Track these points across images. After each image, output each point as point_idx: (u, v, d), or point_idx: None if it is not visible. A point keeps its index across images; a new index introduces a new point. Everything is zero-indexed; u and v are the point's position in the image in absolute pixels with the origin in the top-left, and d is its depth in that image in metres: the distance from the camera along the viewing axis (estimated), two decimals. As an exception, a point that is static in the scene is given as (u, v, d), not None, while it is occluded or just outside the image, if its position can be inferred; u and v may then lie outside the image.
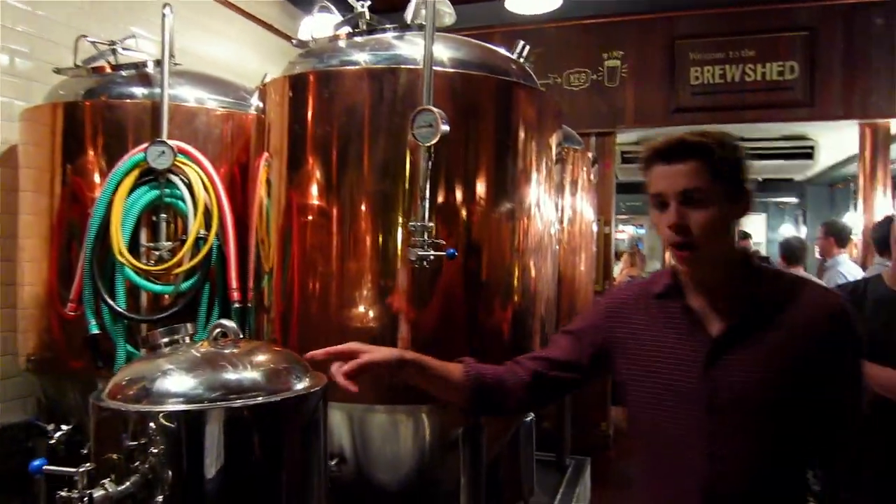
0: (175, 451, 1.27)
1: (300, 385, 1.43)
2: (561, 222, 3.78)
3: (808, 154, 6.11)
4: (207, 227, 2.45)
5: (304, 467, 1.44)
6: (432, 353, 2.15)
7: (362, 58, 2.30)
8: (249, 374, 1.39)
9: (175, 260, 2.39)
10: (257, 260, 2.42)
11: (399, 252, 2.17)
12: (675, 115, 5.03)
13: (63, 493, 1.14)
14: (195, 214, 2.43)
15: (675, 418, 1.40)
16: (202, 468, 1.26)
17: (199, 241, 2.45)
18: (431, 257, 2.01)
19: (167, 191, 2.46)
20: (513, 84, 2.38)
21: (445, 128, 1.92)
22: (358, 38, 2.38)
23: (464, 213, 2.25)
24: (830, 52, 4.77)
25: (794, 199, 10.25)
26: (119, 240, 2.36)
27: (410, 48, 2.29)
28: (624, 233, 16.54)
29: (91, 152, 2.65)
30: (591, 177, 3.92)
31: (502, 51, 2.58)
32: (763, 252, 9.54)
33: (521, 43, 2.65)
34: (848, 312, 1.38)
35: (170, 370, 1.33)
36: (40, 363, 2.70)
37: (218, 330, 1.47)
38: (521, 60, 2.61)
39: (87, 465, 1.20)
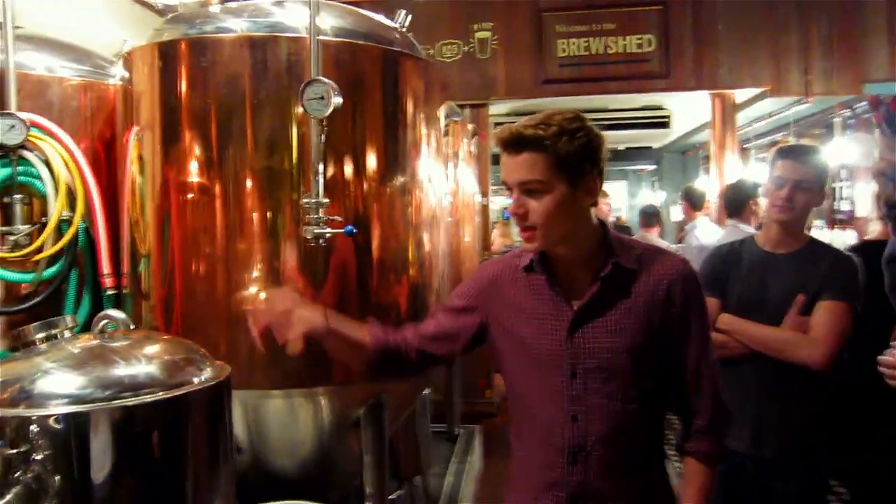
0: (63, 458, 1.15)
1: (202, 377, 1.34)
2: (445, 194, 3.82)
3: (664, 123, 6.52)
4: (72, 208, 2.24)
5: (211, 463, 1.36)
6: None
7: (239, 25, 2.17)
8: (144, 369, 1.29)
9: (35, 245, 2.17)
10: (131, 243, 2.24)
11: (289, 231, 2.09)
12: (544, 86, 5.17)
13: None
14: (56, 195, 2.20)
15: (541, 384, 1.49)
16: (95, 474, 1.16)
17: (63, 224, 2.23)
18: (328, 235, 1.95)
19: (20, 169, 2.21)
20: (399, 54, 2.33)
21: (338, 100, 1.86)
22: (232, 4, 2.23)
23: (355, 188, 2.20)
24: (682, 26, 5.07)
25: (651, 167, 10.91)
26: (-35, 225, 2.11)
27: (291, 16, 2.18)
28: (495, 203, 17.06)
29: (-76, 127, 2.33)
30: (472, 149, 3.96)
31: (385, 20, 2.52)
32: (624, 216, 10.13)
33: (403, 12, 2.60)
34: (686, 274, 1.51)
35: (51, 369, 1.20)
36: None
37: (103, 321, 1.35)
38: (404, 29, 2.57)
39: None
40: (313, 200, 1.93)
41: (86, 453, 1.20)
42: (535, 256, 1.51)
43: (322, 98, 1.83)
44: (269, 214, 2.11)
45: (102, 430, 1.21)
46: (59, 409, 1.18)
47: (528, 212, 1.40)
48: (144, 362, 1.31)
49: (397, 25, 2.57)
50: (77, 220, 2.23)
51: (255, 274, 2.11)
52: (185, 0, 2.34)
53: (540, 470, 1.50)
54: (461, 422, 4.09)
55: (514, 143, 1.39)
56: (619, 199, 10.79)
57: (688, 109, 6.36)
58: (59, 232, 2.23)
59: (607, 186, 6.74)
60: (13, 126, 2.16)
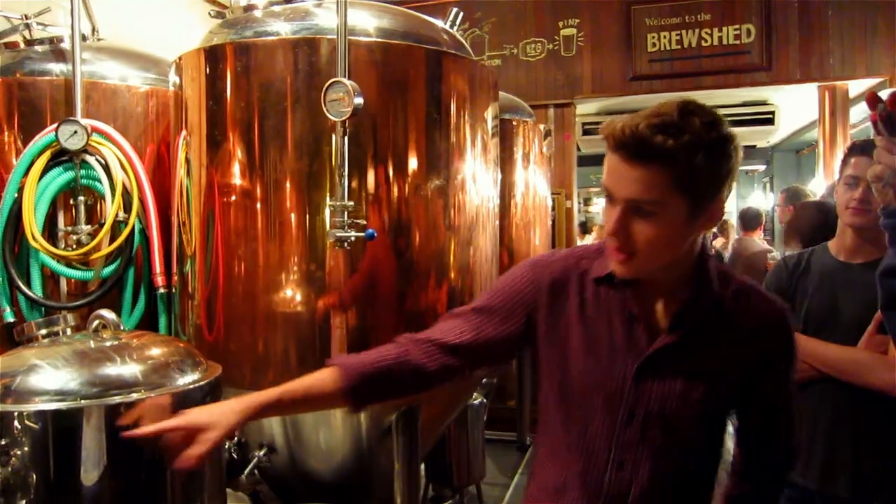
0: (42, 454, 1.18)
1: (187, 379, 1.35)
2: (512, 197, 3.72)
3: (768, 120, 6.06)
4: (127, 209, 2.34)
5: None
6: (365, 336, 2.12)
7: (281, 28, 2.19)
8: (132, 369, 1.30)
9: (92, 244, 2.29)
10: (179, 243, 2.32)
11: (325, 233, 2.08)
12: (632, 83, 4.94)
13: None
14: (113, 196, 2.31)
15: (588, 420, 1.27)
16: (73, 471, 1.18)
17: (120, 225, 2.34)
18: (352, 238, 1.92)
19: (83, 172, 2.35)
20: (442, 54, 2.28)
21: (359, 101, 1.82)
22: (276, 7, 2.26)
23: (393, 190, 2.16)
24: (786, 13, 4.68)
25: (761, 167, 10.23)
26: (32, 224, 2.25)
27: (331, 17, 2.17)
28: (597, 205, 16.54)
29: (6, 132, 2.52)
30: (544, 149, 3.84)
31: (434, 20, 2.47)
32: (733, 220, 9.49)
33: (455, 10, 2.55)
34: (786, 321, 1.28)
35: (38, 365, 1.24)
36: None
37: (97, 321, 1.38)
38: (454, 29, 2.51)
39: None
40: (339, 203, 1.90)
41: (67, 450, 1.22)
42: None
43: (343, 99, 1.80)
44: (305, 217, 2.11)
45: (85, 427, 1.23)
46: (42, 405, 1.21)
47: (630, 236, 1.13)
48: (133, 362, 1.33)
49: (447, 25, 2.52)
50: (132, 221, 2.33)
51: (292, 276, 2.12)
52: (239, 3, 2.37)
53: None
54: (532, 431, 3.96)
55: (634, 149, 1.09)
56: (729, 202, 10.15)
57: (797, 104, 5.88)
58: (116, 232, 2.34)
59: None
60: (76, 132, 2.29)
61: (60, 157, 2.34)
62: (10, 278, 2.27)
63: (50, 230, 2.36)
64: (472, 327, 1.30)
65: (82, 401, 1.24)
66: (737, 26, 4.73)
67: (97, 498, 1.23)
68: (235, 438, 2.22)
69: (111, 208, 2.30)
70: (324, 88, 1.86)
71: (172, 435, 1.11)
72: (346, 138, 1.88)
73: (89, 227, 2.36)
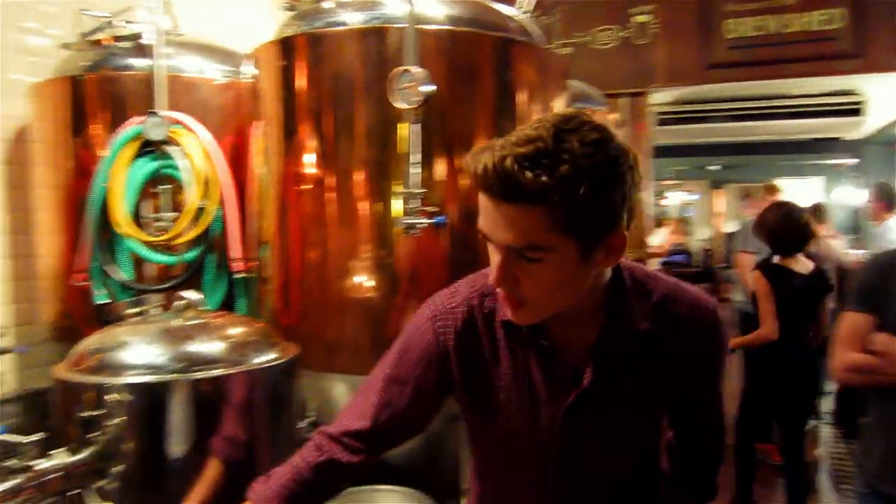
0: (133, 423, 1.26)
1: (264, 357, 1.40)
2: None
3: (856, 111, 5.75)
4: (207, 196, 2.44)
5: (272, 437, 1.41)
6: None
7: (351, 18, 2.23)
8: (211, 346, 1.37)
9: (174, 231, 2.39)
10: (257, 229, 2.40)
11: (394, 220, 2.12)
12: (709, 72, 4.79)
13: (9, 463, 1.14)
14: (193, 185, 2.41)
15: (519, 468, 1.19)
16: (159, 440, 1.25)
17: (201, 212, 2.44)
18: (422, 225, 1.95)
19: (166, 162, 2.45)
20: (510, 41, 2.27)
21: (428, 88, 1.84)
22: (346, -2, 2.30)
23: (462, 178, 2.17)
24: (880, -3, 4.44)
25: (850, 161, 9.71)
26: (120, 212, 2.37)
27: (400, 6, 2.20)
28: (671, 199, 16.11)
29: (95, 125, 2.66)
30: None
31: (505, 7, 2.46)
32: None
33: (526, -4, 2.53)
34: (714, 322, 1.15)
35: (128, 342, 1.32)
36: (60, 331, 2.77)
37: (181, 301, 1.45)
38: (524, 16, 2.49)
39: (37, 435, 1.20)
40: (408, 190, 1.93)
41: (154, 421, 1.30)
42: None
43: (412, 87, 1.82)
44: (376, 204, 2.15)
45: (170, 400, 1.30)
46: (133, 378, 1.29)
47: (517, 284, 0.99)
48: (214, 341, 1.39)
49: (518, 12, 2.51)
50: (211, 209, 2.43)
51: (362, 263, 2.17)
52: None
53: None
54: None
55: (501, 190, 0.92)
56: (817, 198, 9.64)
57: (890, 94, 5.57)
58: (198, 219, 2.44)
59: (788, 183, 6.02)
60: (158, 124, 2.40)
61: (145, 147, 2.46)
62: (101, 263, 2.41)
63: (137, 217, 2.48)
64: (387, 402, 1.18)
65: (169, 375, 1.30)
66: (824, 11, 4.52)
67: (183, 466, 1.29)
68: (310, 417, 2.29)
69: (192, 196, 2.40)
70: (391, 77, 1.88)
71: None
72: (417, 126, 1.90)
73: (172, 214, 2.47)
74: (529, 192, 0.89)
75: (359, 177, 2.16)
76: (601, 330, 1.09)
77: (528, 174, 0.88)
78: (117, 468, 1.23)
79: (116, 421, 1.25)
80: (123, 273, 2.42)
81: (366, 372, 2.13)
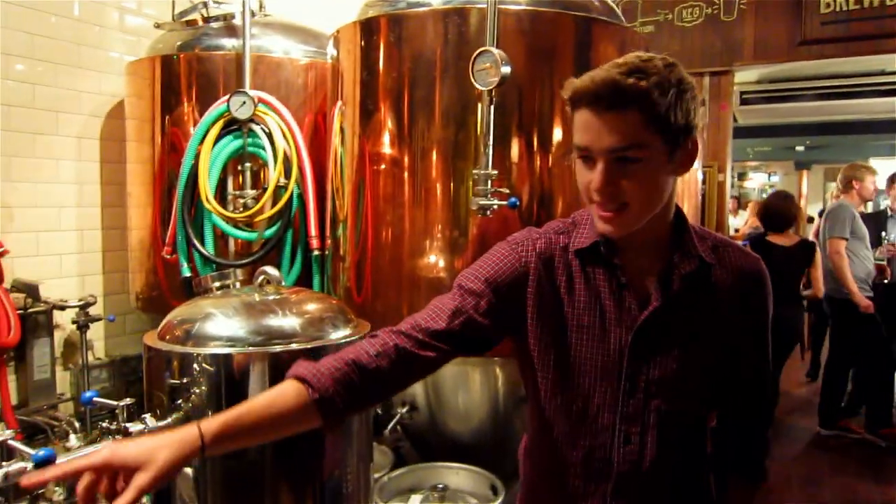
0: (215, 392, 1.32)
1: (340, 333, 1.44)
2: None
3: (964, 88, 5.38)
4: (287, 175, 2.51)
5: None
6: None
7: (434, -1, 2.23)
8: (289, 321, 1.42)
9: (256, 208, 2.48)
10: (333, 208, 2.45)
11: (468, 201, 2.13)
12: (800, 48, 4.55)
13: (104, 424, 1.22)
14: (275, 163, 2.48)
15: (589, 397, 1.21)
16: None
17: (281, 190, 2.52)
18: (495, 206, 1.95)
19: (250, 140, 2.54)
20: (591, 21, 2.23)
21: (506, 70, 1.83)
22: (427, -21, 2.30)
23: (536, 160, 2.16)
24: None
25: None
26: (206, 188, 2.47)
27: (480, -14, 2.19)
28: (753, 180, 15.51)
29: (186, 103, 2.78)
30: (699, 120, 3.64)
31: (586, -15, 2.41)
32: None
33: (606, -26, 2.47)
34: (764, 273, 1.26)
35: (213, 314, 1.38)
36: (147, 301, 2.92)
37: (262, 277, 1.51)
38: (607, -6, 2.44)
39: (128, 399, 1.28)
40: (482, 172, 1.94)
41: (236, 390, 1.36)
42: (600, 238, 1.19)
43: (490, 69, 1.81)
44: (450, 185, 2.16)
45: (250, 371, 1.36)
46: (216, 349, 1.35)
47: (619, 188, 1.08)
48: (292, 315, 1.44)
49: (599, -10, 2.45)
50: (291, 187, 2.50)
51: (435, 242, 2.19)
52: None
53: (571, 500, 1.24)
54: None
55: (609, 98, 1.06)
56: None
57: None
58: (277, 197, 2.52)
59: (879, 164, 5.73)
60: (244, 102, 2.48)
61: (231, 125, 2.54)
62: (187, 237, 2.52)
63: (221, 194, 2.58)
64: (464, 309, 1.20)
65: (249, 347, 1.36)
66: (929, -18, 4.22)
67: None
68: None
69: (273, 174, 2.48)
70: (472, 58, 1.88)
71: (91, 481, 0.93)
72: (493, 107, 1.89)
73: (254, 191, 2.56)
74: (630, 96, 1.05)
75: (435, 157, 2.17)
76: (669, 256, 1.19)
77: (630, 80, 1.05)
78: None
79: (200, 389, 1.32)
80: (207, 247, 2.52)
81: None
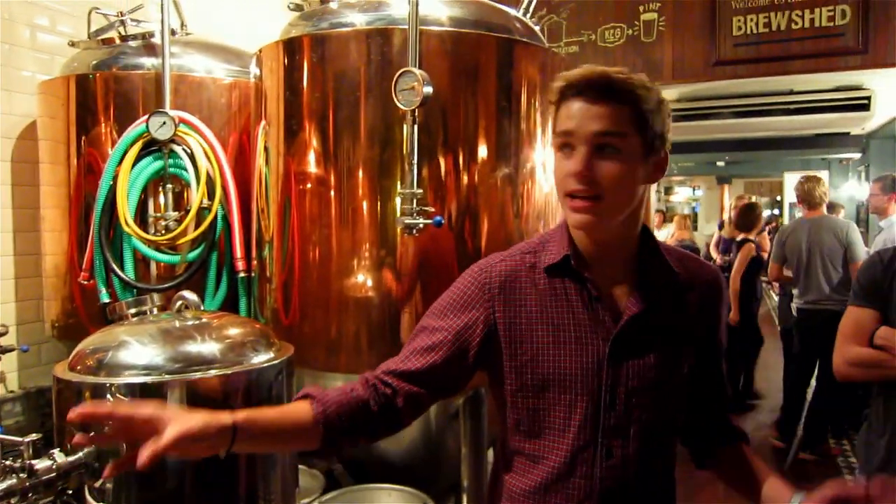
0: (130, 424, 1.27)
1: (261, 357, 1.41)
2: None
3: (863, 106, 5.71)
4: (211, 196, 2.46)
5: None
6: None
7: (356, 19, 2.24)
8: (209, 347, 1.38)
9: (178, 230, 2.41)
10: (258, 229, 2.42)
11: (395, 220, 2.13)
12: (715, 69, 4.77)
13: (7, 462, 1.15)
14: (197, 184, 2.43)
15: (569, 414, 1.21)
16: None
17: (204, 211, 2.46)
18: (421, 225, 1.96)
19: (171, 161, 2.47)
20: (513, 42, 2.28)
21: (428, 90, 1.85)
22: (352, -1, 2.31)
23: (462, 178, 2.19)
24: (886, -6, 4.41)
25: (856, 155, 9.67)
26: (125, 210, 2.39)
27: (404, 7, 2.20)
28: (679, 194, 16.11)
29: (103, 123, 2.69)
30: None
31: (508, 8, 2.47)
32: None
33: (528, -2, 2.53)
34: (722, 282, 1.37)
35: (127, 342, 1.33)
36: (64, 330, 2.79)
37: (180, 302, 1.46)
38: (527, 16, 2.50)
39: (34, 435, 1.22)
40: (408, 191, 1.94)
41: (152, 421, 1.30)
42: (566, 251, 1.22)
43: (412, 88, 1.83)
44: (377, 204, 2.16)
45: (168, 400, 1.31)
46: (131, 378, 1.30)
47: (596, 175, 1.14)
48: (212, 341, 1.40)
49: (520, 13, 2.51)
50: (215, 208, 2.45)
51: (363, 262, 2.18)
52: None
53: None
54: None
55: (599, 88, 1.14)
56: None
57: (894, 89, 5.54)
58: (200, 219, 2.46)
59: (794, 178, 6.04)
60: (164, 123, 2.42)
61: (151, 146, 2.48)
62: (105, 261, 2.43)
63: (141, 216, 2.51)
64: (429, 347, 1.24)
65: (166, 375, 1.32)
66: (831, 7, 4.49)
67: (178, 467, 1.31)
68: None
69: (196, 195, 2.42)
70: (395, 78, 1.89)
71: (127, 423, 1.03)
72: (416, 127, 1.91)
73: (176, 213, 2.49)
74: (619, 89, 1.14)
75: (360, 177, 2.17)
76: (638, 268, 1.24)
77: (619, 76, 1.16)
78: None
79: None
80: (126, 272, 2.44)
81: (365, 371, 2.19)
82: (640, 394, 1.21)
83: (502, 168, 2.23)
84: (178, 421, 1.02)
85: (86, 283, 2.49)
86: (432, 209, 1.97)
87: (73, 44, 2.95)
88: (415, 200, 1.94)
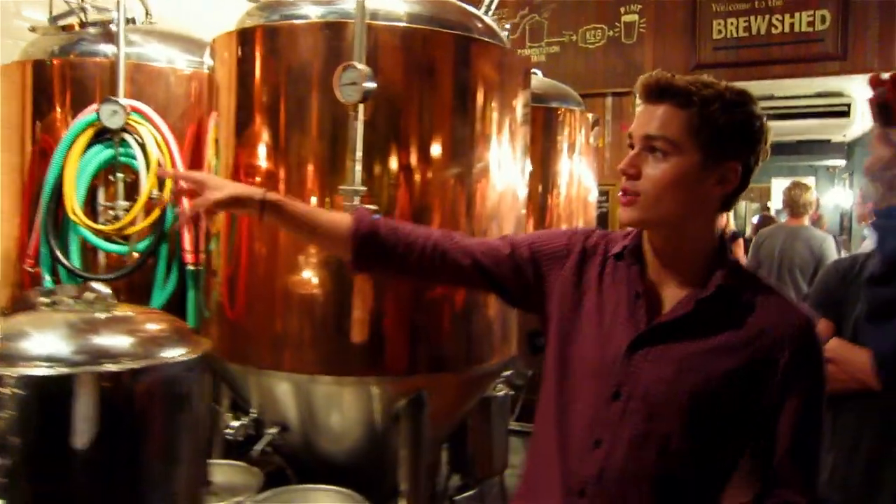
0: (27, 417, 1.24)
1: (172, 353, 1.38)
2: (555, 187, 3.65)
3: (843, 112, 5.70)
4: (161, 186, 2.42)
5: (176, 435, 1.40)
6: (379, 320, 2.13)
7: (310, 11, 2.19)
8: (119, 340, 1.35)
9: (126, 219, 2.38)
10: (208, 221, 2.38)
11: (343, 216, 2.09)
12: (695, 72, 4.72)
13: None
14: (147, 173, 2.39)
15: (577, 394, 1.24)
16: (53, 436, 1.23)
17: (154, 202, 2.42)
18: (361, 222, 1.92)
19: (122, 150, 2.44)
20: (470, 40, 2.24)
21: (370, 85, 1.81)
22: (309, -10, 2.26)
23: (414, 176, 2.15)
24: (865, -1, 4.41)
25: (840, 162, 9.67)
26: (72, 199, 2.36)
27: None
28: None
29: (59, 110, 2.65)
30: (591, 139, 3.74)
31: (469, 7, 2.43)
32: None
33: (489, -6, 2.50)
34: (813, 332, 1.21)
35: (28, 332, 1.30)
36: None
37: (91, 293, 1.43)
38: (489, 15, 2.47)
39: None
40: (349, 187, 1.91)
41: (53, 415, 1.28)
42: (629, 243, 1.26)
43: (355, 83, 1.79)
44: (325, 200, 2.13)
45: (72, 394, 1.28)
46: (29, 370, 1.27)
47: (640, 172, 1.16)
48: (122, 334, 1.37)
49: (482, 11, 2.48)
50: (165, 198, 2.41)
51: (309, 258, 2.15)
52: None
53: (543, 496, 1.26)
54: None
55: (656, 91, 1.16)
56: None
57: (879, 98, 5.52)
58: (151, 209, 2.43)
59: (781, 184, 6.06)
60: (115, 111, 2.38)
61: (102, 135, 2.44)
62: (50, 249, 2.39)
63: (92, 205, 2.47)
64: (500, 255, 1.37)
65: (70, 368, 1.28)
66: (811, 12, 4.49)
67: (74, 461, 1.28)
68: (253, 414, 2.28)
69: (145, 185, 2.39)
70: (338, 73, 1.86)
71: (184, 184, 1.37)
72: (359, 122, 1.88)
73: (126, 203, 2.45)
74: (677, 92, 1.14)
75: (309, 172, 2.14)
76: (699, 284, 1.20)
77: (682, 82, 1.16)
78: (4, 462, 1.21)
79: (6, 414, 1.23)
80: (72, 260, 2.40)
81: (309, 371, 2.16)
82: (643, 399, 1.18)
83: (454, 167, 2.20)
84: (220, 190, 1.32)
85: (31, 270, 2.45)
86: (374, 207, 1.93)
87: (33, 29, 2.90)
88: (356, 198, 1.90)
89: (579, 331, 1.27)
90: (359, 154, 1.91)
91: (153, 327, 1.44)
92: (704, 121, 1.14)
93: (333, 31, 2.11)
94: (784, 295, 1.26)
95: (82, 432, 1.28)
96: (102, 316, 1.38)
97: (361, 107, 1.88)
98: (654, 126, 1.16)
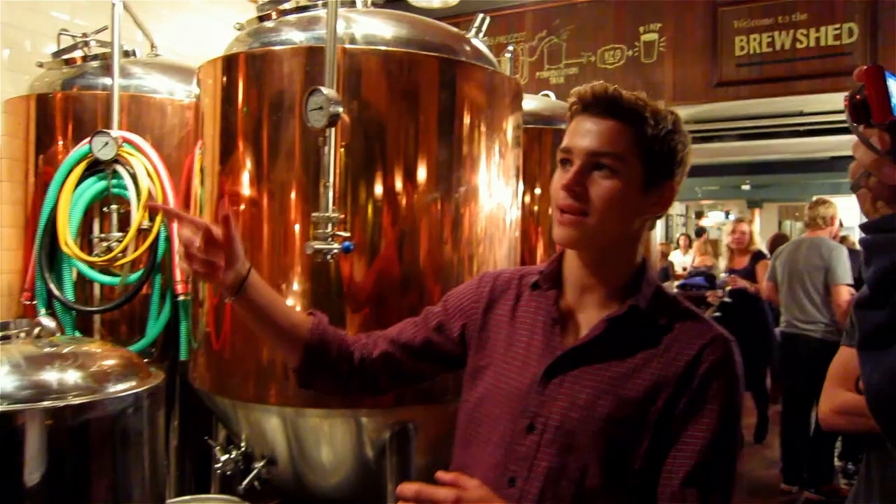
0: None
1: (120, 387, 1.35)
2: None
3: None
4: (152, 217, 2.42)
5: (120, 476, 1.35)
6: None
7: (293, 37, 2.18)
8: (67, 375, 1.32)
9: (117, 250, 2.38)
10: (195, 251, 2.36)
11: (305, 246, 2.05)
12: (717, 90, 4.62)
13: None
14: (138, 204, 2.40)
15: (491, 429, 1.19)
16: (9, 473, 1.21)
17: (145, 233, 2.43)
18: (335, 250, 1.87)
19: (114, 181, 2.45)
20: (455, 63, 2.19)
21: (335, 109, 1.77)
22: (291, 17, 2.26)
23: (400, 201, 2.10)
24: (895, 11, 4.21)
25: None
26: (65, 231, 2.37)
27: (341, 25, 2.14)
28: (709, 218, 15.71)
29: (61, 143, 2.70)
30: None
31: (455, 29, 2.39)
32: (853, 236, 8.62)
33: (480, 16, 2.46)
34: (724, 355, 1.13)
35: (-23, 368, 1.28)
36: (18, 350, 2.78)
37: (38, 328, 1.41)
38: (478, 37, 2.42)
39: None
40: (323, 214, 1.86)
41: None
42: (546, 269, 1.24)
43: (321, 108, 1.76)
44: (308, 228, 2.09)
45: (16, 430, 1.25)
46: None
47: (587, 190, 1.11)
48: (72, 369, 1.34)
49: (470, 35, 2.44)
50: (156, 229, 2.41)
51: (294, 287, 2.11)
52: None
53: None
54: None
55: (606, 105, 1.12)
56: (853, 217, 9.23)
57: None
58: (143, 240, 2.43)
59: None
60: (107, 143, 2.40)
61: (95, 167, 2.46)
62: (45, 282, 2.41)
63: (87, 237, 2.49)
64: (418, 325, 1.38)
65: (14, 405, 1.26)
66: (837, 26, 4.32)
67: (32, 499, 1.25)
68: (242, 448, 2.24)
69: (136, 216, 2.39)
70: (305, 97, 1.83)
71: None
72: (329, 147, 1.84)
73: (118, 234, 2.46)
74: (627, 110, 1.12)
75: (290, 199, 2.10)
76: (615, 306, 1.17)
77: (629, 97, 1.13)
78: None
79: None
80: (66, 293, 2.41)
81: (295, 404, 2.10)
82: (556, 431, 1.12)
83: (439, 191, 2.14)
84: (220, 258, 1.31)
85: (27, 303, 2.47)
86: (346, 234, 1.88)
87: (40, 65, 2.97)
88: (330, 224, 1.86)
89: (490, 369, 1.24)
90: (332, 180, 1.87)
91: (104, 362, 1.41)
92: (652, 139, 1.12)
93: (312, 56, 2.08)
94: (703, 317, 1.21)
95: (29, 470, 1.25)
96: (50, 351, 1.35)
97: (333, 131, 1.84)
98: (602, 141, 1.12)
